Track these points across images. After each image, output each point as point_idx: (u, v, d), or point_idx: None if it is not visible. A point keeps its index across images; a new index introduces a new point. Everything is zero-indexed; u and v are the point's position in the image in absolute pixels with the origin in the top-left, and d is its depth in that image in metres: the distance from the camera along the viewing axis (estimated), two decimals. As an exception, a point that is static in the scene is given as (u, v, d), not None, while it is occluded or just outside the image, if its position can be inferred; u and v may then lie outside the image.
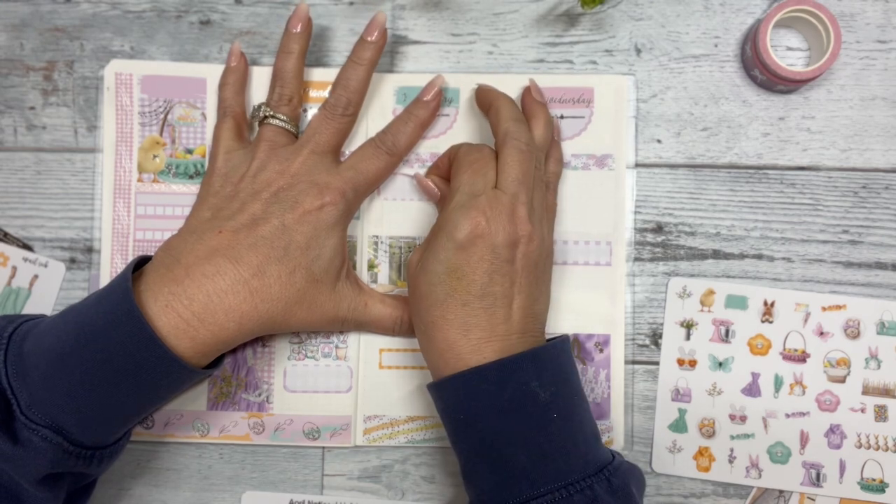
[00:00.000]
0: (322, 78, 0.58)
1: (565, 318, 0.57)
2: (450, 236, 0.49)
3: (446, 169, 0.55)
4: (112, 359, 0.46)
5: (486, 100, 0.55)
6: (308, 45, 0.56)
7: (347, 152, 0.57)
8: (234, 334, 0.49)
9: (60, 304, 0.58)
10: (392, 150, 0.55)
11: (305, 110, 0.58)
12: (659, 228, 0.58)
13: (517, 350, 0.48)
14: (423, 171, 0.57)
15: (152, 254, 0.52)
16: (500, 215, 0.49)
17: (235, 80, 0.56)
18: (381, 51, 0.55)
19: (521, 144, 0.51)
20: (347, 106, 0.54)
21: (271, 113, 0.54)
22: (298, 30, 0.55)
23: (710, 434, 0.57)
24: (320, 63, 0.59)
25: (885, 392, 0.56)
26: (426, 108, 0.56)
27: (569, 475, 0.46)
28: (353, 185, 0.53)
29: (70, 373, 0.46)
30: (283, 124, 0.54)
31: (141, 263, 0.51)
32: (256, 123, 0.55)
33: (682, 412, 0.57)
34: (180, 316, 0.47)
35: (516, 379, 0.47)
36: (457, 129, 0.58)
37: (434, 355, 0.50)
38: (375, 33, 0.54)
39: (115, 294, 0.47)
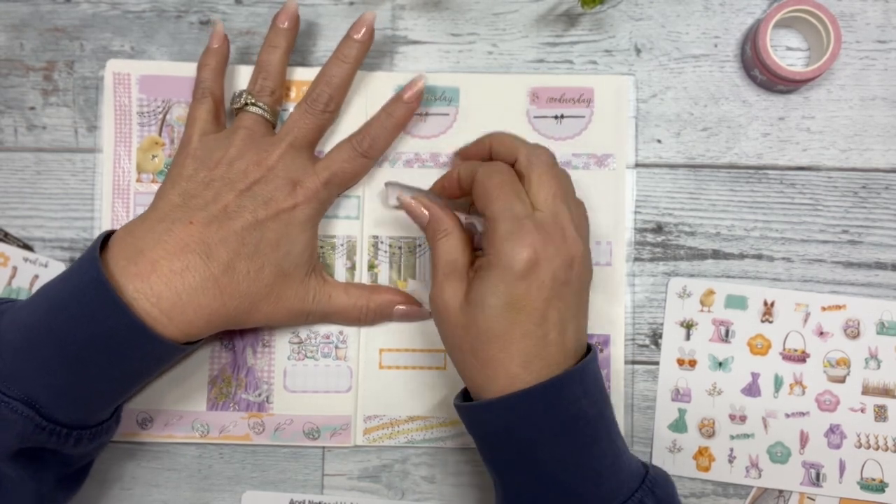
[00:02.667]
0: (322, 78, 0.58)
1: (565, 318, 0.57)
2: (508, 268, 0.46)
3: (456, 188, 0.53)
4: (80, 328, 0.46)
5: (471, 172, 0.51)
6: (294, 42, 0.56)
7: (325, 150, 0.57)
8: (202, 330, 0.49)
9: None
10: (369, 152, 0.54)
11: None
12: (659, 228, 0.58)
13: None
14: (422, 170, 0.57)
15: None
16: (552, 237, 0.47)
17: (217, 63, 0.55)
18: (367, 49, 0.55)
19: (549, 159, 0.50)
20: (329, 102, 0.54)
21: (253, 101, 0.54)
22: (286, 25, 0.54)
23: (710, 434, 0.57)
24: (320, 63, 0.58)
25: (885, 392, 0.56)
26: (405, 107, 0.55)
27: (619, 493, 0.46)
28: (328, 185, 0.53)
29: (41, 345, 0.46)
30: (263, 113, 0.54)
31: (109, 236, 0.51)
32: (235, 110, 0.54)
33: (681, 412, 0.57)
34: (148, 313, 0.47)
35: (566, 398, 0.46)
36: (456, 128, 0.58)
37: (494, 392, 0.46)
38: (362, 31, 0.54)
39: (83, 265, 0.47)
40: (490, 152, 0.53)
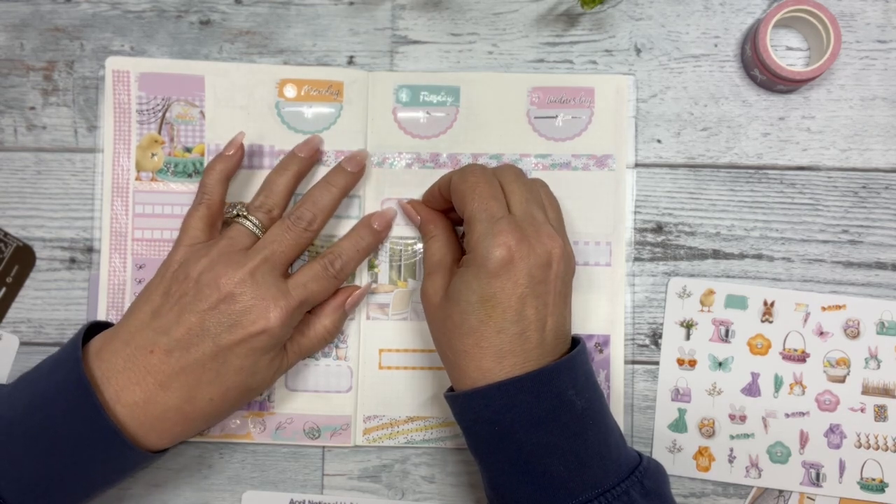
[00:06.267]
0: (321, 76, 0.58)
1: (565, 318, 0.57)
2: (482, 266, 0.47)
3: (440, 200, 0.54)
4: (56, 427, 0.47)
5: (447, 180, 0.53)
6: (308, 170, 0.56)
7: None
8: (169, 444, 0.51)
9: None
10: (339, 275, 0.53)
11: (309, 109, 0.58)
12: (659, 228, 0.58)
13: None
14: (423, 170, 0.57)
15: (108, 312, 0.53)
16: (528, 236, 0.48)
17: (224, 170, 0.54)
18: (356, 180, 0.56)
19: (515, 170, 0.52)
20: (312, 221, 0.53)
21: (245, 213, 0.53)
22: (303, 155, 0.55)
23: (710, 434, 0.57)
24: (320, 62, 0.59)
25: (885, 392, 0.56)
26: (375, 234, 0.55)
27: (605, 481, 0.46)
28: (300, 304, 0.51)
29: (16, 440, 0.47)
30: (252, 227, 0.52)
31: (92, 328, 0.51)
32: (227, 220, 0.54)
33: (681, 412, 0.57)
34: (115, 432, 0.47)
35: (553, 389, 0.47)
36: (457, 128, 0.58)
37: (466, 384, 0.48)
38: (353, 164, 0.55)
39: (66, 364, 0.48)
40: (442, 197, 0.54)
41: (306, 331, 0.54)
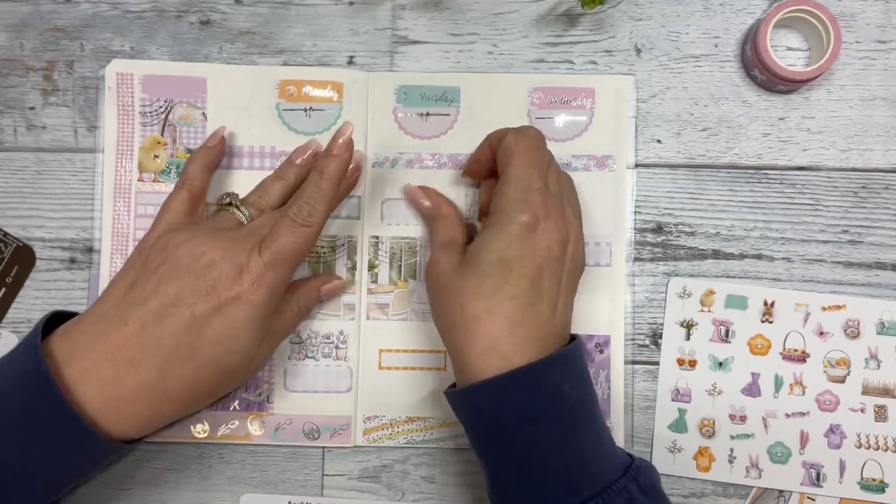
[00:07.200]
0: (321, 77, 0.58)
1: (565, 318, 0.57)
2: (504, 227, 0.48)
3: (489, 155, 0.53)
4: (18, 417, 0.45)
5: (500, 135, 0.52)
6: (304, 177, 0.51)
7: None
8: (137, 434, 0.49)
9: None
10: (308, 219, 0.48)
11: (309, 109, 0.58)
12: (659, 228, 0.58)
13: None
14: (423, 170, 0.57)
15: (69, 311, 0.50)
16: (555, 212, 0.48)
17: (205, 158, 0.55)
18: (351, 186, 0.57)
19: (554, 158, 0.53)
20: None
21: (237, 203, 0.53)
22: (299, 162, 0.55)
23: (710, 434, 0.57)
24: (320, 63, 0.59)
25: (885, 392, 0.56)
26: (336, 161, 0.49)
27: (602, 478, 0.46)
28: (274, 266, 0.48)
29: None
30: (241, 216, 0.52)
31: (55, 318, 0.49)
32: (218, 206, 0.54)
33: (682, 412, 0.57)
34: (83, 411, 0.46)
35: (548, 382, 0.46)
36: (457, 128, 0.58)
37: (472, 356, 0.47)
38: (352, 166, 0.55)
39: (26, 350, 0.46)
40: (491, 151, 0.53)
41: (283, 308, 0.53)
